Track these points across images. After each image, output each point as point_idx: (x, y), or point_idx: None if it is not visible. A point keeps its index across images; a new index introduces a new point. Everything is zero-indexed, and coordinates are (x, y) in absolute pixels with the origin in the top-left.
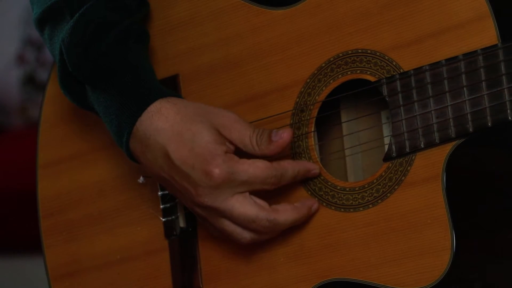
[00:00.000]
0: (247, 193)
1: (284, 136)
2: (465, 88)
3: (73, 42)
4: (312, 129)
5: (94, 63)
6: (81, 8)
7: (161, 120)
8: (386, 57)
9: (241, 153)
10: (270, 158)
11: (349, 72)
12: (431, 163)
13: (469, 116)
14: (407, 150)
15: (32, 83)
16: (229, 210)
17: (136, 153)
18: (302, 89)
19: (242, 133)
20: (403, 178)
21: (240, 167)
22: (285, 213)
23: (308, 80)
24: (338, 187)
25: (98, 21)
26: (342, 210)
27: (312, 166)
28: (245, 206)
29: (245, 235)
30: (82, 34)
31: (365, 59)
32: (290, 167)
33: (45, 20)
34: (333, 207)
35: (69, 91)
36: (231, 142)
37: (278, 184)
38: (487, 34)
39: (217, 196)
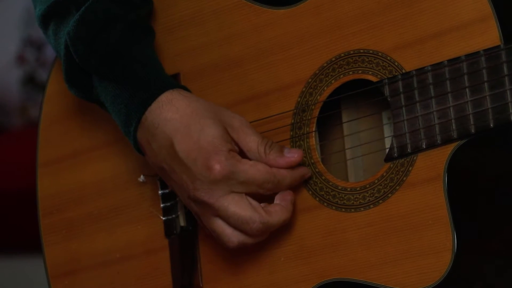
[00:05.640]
0: (243, 194)
1: (296, 156)
2: (467, 89)
3: (79, 34)
4: (314, 129)
5: (102, 53)
6: (86, 2)
7: (171, 111)
8: (388, 58)
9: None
10: None
11: (350, 72)
12: (433, 163)
13: (471, 117)
14: (409, 150)
15: (32, 83)
16: (224, 208)
17: (142, 143)
18: (304, 89)
19: (250, 137)
20: (404, 178)
21: (242, 166)
22: (276, 214)
23: (309, 80)
24: (339, 187)
25: (104, 14)
26: (343, 210)
27: (305, 171)
28: (240, 206)
29: (233, 239)
30: (88, 26)
31: (367, 59)
32: (289, 175)
33: (50, 16)
34: (334, 207)
35: (74, 84)
36: (236, 144)
37: (274, 191)
38: (489, 35)
39: (213, 192)
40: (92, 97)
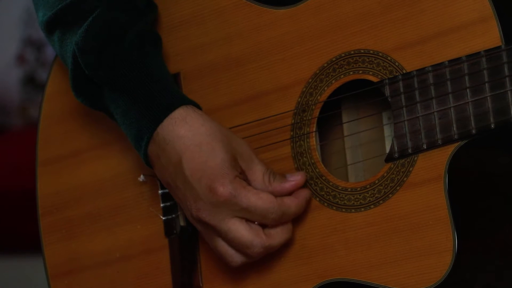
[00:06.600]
0: (244, 219)
1: (300, 178)
2: (468, 90)
3: (87, 44)
4: (314, 129)
5: (112, 66)
6: (94, 11)
7: (184, 128)
8: (389, 58)
9: None
10: None
11: (351, 72)
12: (434, 164)
13: (472, 117)
14: (409, 151)
15: (32, 83)
16: (224, 232)
17: (152, 157)
18: (304, 89)
19: (257, 167)
20: (405, 179)
21: (245, 192)
22: (277, 236)
23: (310, 80)
24: (340, 188)
25: (112, 23)
26: (344, 210)
27: (307, 193)
28: (241, 231)
29: (236, 259)
30: (96, 36)
31: (367, 60)
32: (293, 204)
33: (56, 24)
34: (334, 208)
35: (82, 93)
36: (243, 173)
37: (280, 221)
38: (490, 36)
39: (215, 215)
40: (100, 106)
